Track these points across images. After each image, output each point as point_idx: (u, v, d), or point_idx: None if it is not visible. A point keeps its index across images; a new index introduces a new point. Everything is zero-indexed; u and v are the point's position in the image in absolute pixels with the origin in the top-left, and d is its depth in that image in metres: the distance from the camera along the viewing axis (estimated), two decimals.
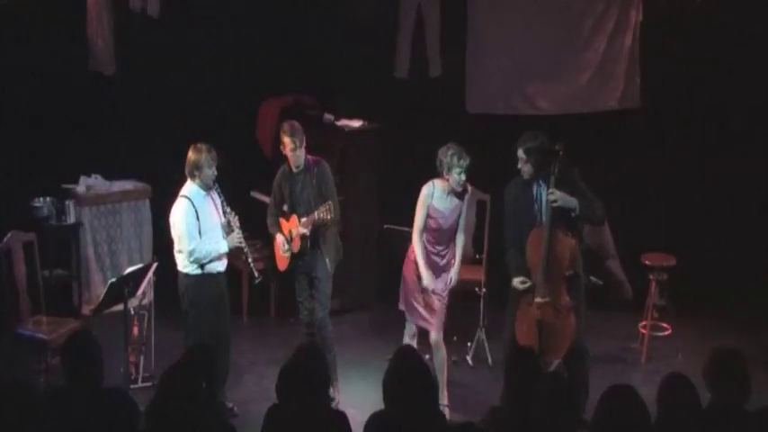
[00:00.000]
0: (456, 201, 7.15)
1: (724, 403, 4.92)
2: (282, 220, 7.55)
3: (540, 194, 6.80)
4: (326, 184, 7.42)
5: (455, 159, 7.02)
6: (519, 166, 6.81)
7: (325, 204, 7.18)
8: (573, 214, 6.73)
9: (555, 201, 6.64)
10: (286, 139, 7.30)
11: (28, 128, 9.19)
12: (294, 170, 7.41)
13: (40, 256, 7.97)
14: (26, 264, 7.74)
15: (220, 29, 9.83)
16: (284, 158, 7.46)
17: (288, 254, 7.45)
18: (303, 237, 7.32)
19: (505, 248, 7.00)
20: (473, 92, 9.89)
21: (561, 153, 6.72)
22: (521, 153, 6.78)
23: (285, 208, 7.53)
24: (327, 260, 7.43)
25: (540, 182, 6.81)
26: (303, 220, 7.29)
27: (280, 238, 7.47)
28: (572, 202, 6.68)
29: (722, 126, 9.62)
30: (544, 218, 6.75)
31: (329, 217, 7.20)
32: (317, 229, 7.34)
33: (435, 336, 7.26)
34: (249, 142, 9.87)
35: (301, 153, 7.33)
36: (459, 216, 7.18)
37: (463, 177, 7.07)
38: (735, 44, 9.37)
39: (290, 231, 7.44)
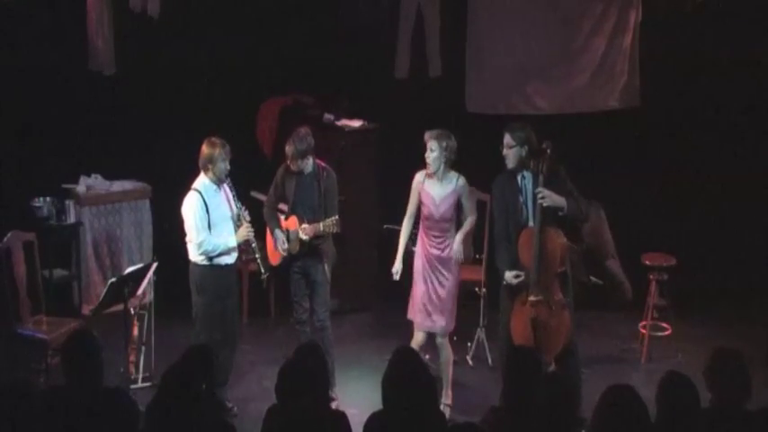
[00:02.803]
0: (449, 189, 7.13)
1: (724, 403, 4.92)
2: (280, 217, 7.55)
3: (525, 188, 6.80)
4: (332, 195, 7.41)
5: (425, 136, 7.07)
6: (504, 152, 6.82)
7: (333, 219, 7.18)
8: (560, 213, 6.72)
9: (543, 199, 6.64)
10: (287, 151, 7.28)
11: (28, 127, 9.19)
12: (304, 171, 7.38)
13: (40, 256, 7.97)
14: (26, 264, 7.74)
15: (220, 29, 9.82)
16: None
17: (285, 252, 7.45)
18: (302, 242, 7.33)
19: (495, 243, 7.02)
20: (473, 92, 9.89)
21: (549, 152, 6.71)
22: (507, 138, 6.81)
23: (282, 206, 7.53)
24: (326, 265, 7.45)
25: (525, 174, 6.81)
26: (305, 226, 7.26)
27: (280, 235, 7.46)
28: (560, 201, 6.68)
29: (722, 126, 9.62)
30: (532, 216, 6.75)
31: (334, 231, 7.23)
32: (317, 236, 7.34)
33: (440, 338, 7.27)
34: (249, 142, 9.86)
35: (305, 164, 7.31)
36: (459, 206, 7.15)
37: (430, 155, 7.04)
38: (735, 44, 9.37)
39: (287, 231, 7.43)
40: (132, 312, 7.61)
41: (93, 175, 9.37)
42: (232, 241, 7.13)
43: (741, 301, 9.16)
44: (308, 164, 7.34)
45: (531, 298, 6.77)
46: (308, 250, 7.36)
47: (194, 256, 7.11)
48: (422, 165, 7.26)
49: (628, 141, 9.73)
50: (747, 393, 4.95)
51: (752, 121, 9.58)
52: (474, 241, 8.75)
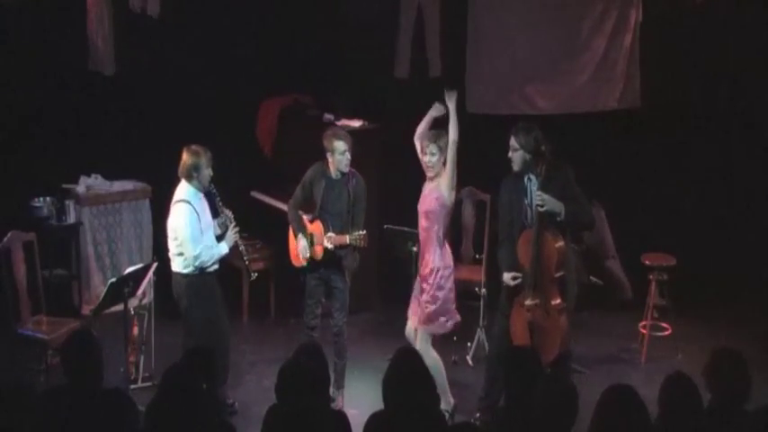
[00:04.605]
0: (431, 185, 7.07)
1: (724, 403, 4.92)
2: (305, 218, 7.51)
3: (531, 190, 6.77)
4: (361, 204, 7.36)
5: (423, 141, 7.13)
6: (509, 154, 6.80)
7: (360, 233, 7.14)
8: (558, 218, 6.69)
9: (542, 205, 6.61)
10: (339, 143, 7.22)
11: (28, 128, 9.19)
12: (333, 175, 7.34)
13: (40, 256, 7.96)
14: (26, 264, 7.73)
15: (220, 29, 9.83)
16: (322, 157, 7.37)
17: (307, 260, 7.39)
18: (326, 249, 7.30)
19: (499, 242, 7.01)
20: (473, 92, 9.88)
21: (547, 154, 6.68)
22: (512, 141, 6.77)
23: (305, 216, 7.48)
24: (347, 272, 7.44)
25: (530, 177, 6.78)
26: (331, 235, 7.21)
27: (303, 242, 7.37)
28: (558, 206, 6.62)
29: (722, 126, 9.62)
30: (531, 219, 6.73)
31: (361, 246, 7.19)
32: (342, 247, 7.29)
33: (418, 343, 7.11)
34: (249, 142, 9.87)
35: (349, 161, 7.28)
36: (436, 206, 7.04)
37: (430, 159, 7.02)
38: (734, 44, 9.37)
39: (311, 234, 7.40)
40: (132, 312, 7.61)
41: (93, 175, 9.37)
42: (224, 248, 7.09)
43: (741, 301, 9.17)
44: (346, 166, 7.32)
45: (528, 302, 6.75)
46: (332, 258, 7.33)
47: (183, 267, 7.03)
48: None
49: (628, 141, 9.73)
50: (747, 393, 4.95)
51: (752, 120, 9.58)
52: (474, 241, 8.77)
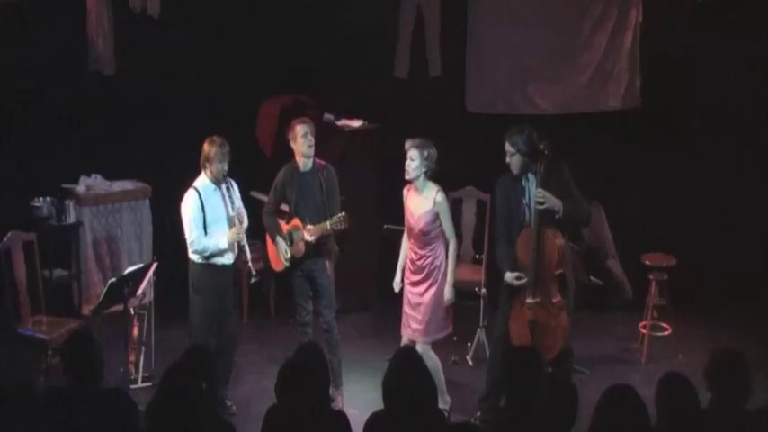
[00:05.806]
0: (427, 207, 7.00)
1: (724, 403, 4.92)
2: (280, 221, 7.53)
3: (529, 190, 6.77)
4: (334, 192, 7.38)
5: (405, 144, 7.06)
6: (507, 159, 6.78)
7: (340, 216, 7.14)
8: (556, 216, 6.69)
9: (542, 202, 6.62)
10: (299, 127, 7.25)
11: (28, 128, 9.19)
12: (302, 168, 7.35)
13: (40, 256, 7.97)
14: (26, 264, 7.74)
15: (220, 29, 9.83)
16: (291, 156, 7.40)
17: (288, 260, 7.41)
18: (307, 243, 7.31)
19: (494, 240, 6.99)
20: (473, 92, 9.90)
21: (546, 152, 6.69)
22: (507, 146, 6.76)
23: (284, 207, 7.51)
24: (328, 264, 7.44)
25: (529, 177, 6.78)
26: (310, 227, 7.22)
27: (282, 244, 7.40)
28: (556, 203, 6.62)
29: (722, 126, 9.62)
30: (531, 218, 6.73)
31: (343, 227, 7.18)
32: (322, 236, 7.31)
33: (420, 346, 7.05)
34: (249, 142, 9.86)
35: (313, 144, 7.28)
36: (437, 222, 7.03)
37: (410, 164, 6.99)
38: (735, 44, 9.37)
39: (290, 233, 7.41)
40: (132, 312, 7.61)
41: (93, 175, 9.37)
42: (224, 243, 7.09)
43: (741, 301, 9.16)
44: (311, 151, 7.33)
45: (529, 300, 6.75)
46: (313, 251, 7.34)
47: (191, 254, 7.11)
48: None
49: (628, 141, 9.73)
50: (747, 393, 4.96)
51: (752, 120, 9.58)
52: (474, 241, 8.76)
